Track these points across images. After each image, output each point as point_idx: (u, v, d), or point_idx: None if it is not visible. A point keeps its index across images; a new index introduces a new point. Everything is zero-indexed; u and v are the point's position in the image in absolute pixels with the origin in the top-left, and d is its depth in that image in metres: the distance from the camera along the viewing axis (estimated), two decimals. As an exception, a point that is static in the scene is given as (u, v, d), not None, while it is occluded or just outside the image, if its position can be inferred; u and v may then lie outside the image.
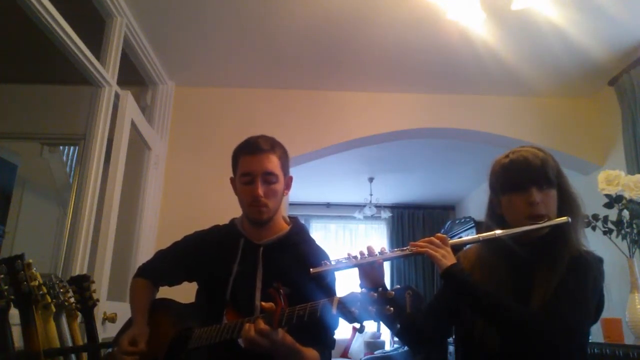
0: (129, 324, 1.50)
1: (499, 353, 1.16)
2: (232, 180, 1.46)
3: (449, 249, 1.21)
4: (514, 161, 1.25)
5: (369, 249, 1.23)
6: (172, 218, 3.08)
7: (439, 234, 1.24)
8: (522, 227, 1.20)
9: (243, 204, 1.41)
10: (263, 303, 1.17)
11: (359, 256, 1.22)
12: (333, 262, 1.22)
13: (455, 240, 1.25)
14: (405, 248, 1.22)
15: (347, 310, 1.05)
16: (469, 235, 5.19)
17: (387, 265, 6.51)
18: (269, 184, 1.37)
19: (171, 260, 1.54)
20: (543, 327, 1.08)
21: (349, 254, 1.24)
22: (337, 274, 1.42)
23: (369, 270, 1.23)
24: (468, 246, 1.36)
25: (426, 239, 1.23)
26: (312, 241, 1.48)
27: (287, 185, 1.46)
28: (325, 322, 1.09)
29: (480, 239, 1.23)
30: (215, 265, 1.42)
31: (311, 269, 1.19)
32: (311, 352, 1.27)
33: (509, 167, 1.25)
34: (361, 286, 1.26)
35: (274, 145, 1.41)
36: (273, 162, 1.38)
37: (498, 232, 1.22)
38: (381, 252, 1.22)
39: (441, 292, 1.37)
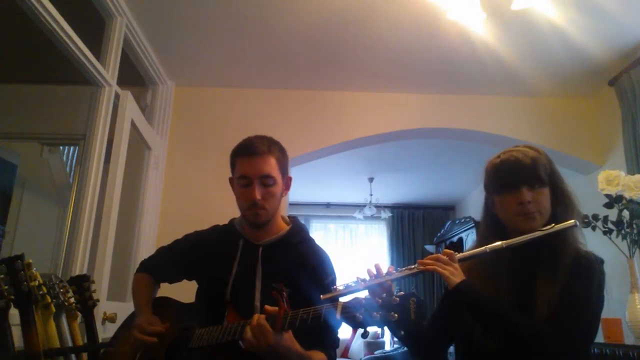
0: (131, 319, 1.50)
1: (498, 353, 1.16)
2: (231, 180, 1.45)
3: (456, 265, 1.20)
4: (504, 161, 1.26)
5: (377, 267, 1.21)
6: (172, 218, 3.08)
7: (446, 250, 1.23)
8: (530, 235, 1.19)
9: (241, 206, 1.40)
10: (267, 306, 1.16)
11: (367, 277, 1.20)
12: (342, 287, 1.19)
13: (462, 254, 1.24)
14: (413, 267, 1.21)
15: (351, 315, 1.04)
16: (469, 236, 5.19)
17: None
18: (267, 186, 1.36)
19: (171, 257, 1.55)
20: (554, 341, 1.08)
21: (357, 277, 1.21)
22: (337, 272, 1.43)
23: (379, 291, 1.19)
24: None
25: (433, 256, 1.21)
26: (311, 241, 1.48)
27: (287, 186, 1.45)
28: (328, 324, 1.09)
29: (488, 250, 1.21)
30: (215, 266, 1.42)
31: (321, 296, 1.16)
32: (318, 355, 1.27)
33: (500, 167, 1.26)
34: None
35: (271, 147, 1.38)
36: (270, 165, 1.36)
37: (505, 242, 1.20)
38: (389, 273, 1.19)
39: (444, 305, 1.36)
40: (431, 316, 1.37)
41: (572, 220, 1.18)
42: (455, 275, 1.17)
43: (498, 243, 1.21)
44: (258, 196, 1.33)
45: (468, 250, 1.29)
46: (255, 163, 1.35)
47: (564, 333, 1.09)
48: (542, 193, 1.22)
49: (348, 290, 1.18)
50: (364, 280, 1.19)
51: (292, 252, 1.40)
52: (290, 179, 1.47)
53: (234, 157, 1.41)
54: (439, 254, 1.21)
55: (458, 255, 1.23)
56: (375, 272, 1.19)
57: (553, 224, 1.19)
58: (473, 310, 1.17)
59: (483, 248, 1.22)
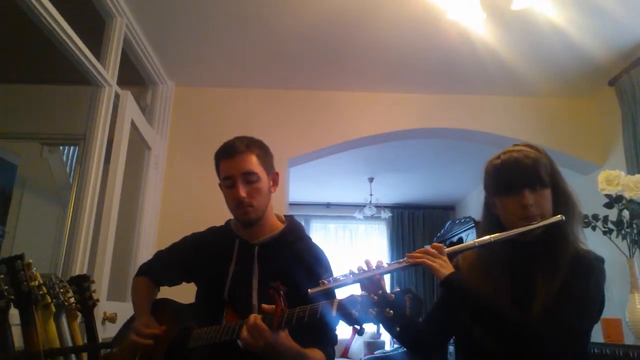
0: (130, 322, 1.51)
1: (498, 353, 1.16)
2: (221, 186, 1.46)
3: (445, 258, 1.20)
4: (505, 162, 1.24)
5: (367, 263, 1.21)
6: (172, 218, 3.08)
7: (435, 244, 1.23)
8: (517, 229, 1.19)
9: (230, 207, 1.42)
10: (264, 305, 1.17)
11: (357, 271, 1.20)
12: (332, 280, 1.20)
13: (451, 248, 1.24)
14: (402, 260, 1.21)
15: (347, 312, 1.04)
16: (469, 236, 5.19)
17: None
18: (251, 183, 1.37)
19: (170, 260, 1.55)
20: (547, 337, 1.08)
21: (350, 270, 1.21)
22: (334, 270, 1.43)
23: (368, 284, 1.20)
24: None
25: (422, 249, 1.22)
26: (308, 238, 1.48)
27: (274, 182, 1.46)
28: (326, 321, 1.09)
29: (476, 244, 1.21)
30: (213, 266, 1.43)
31: (309, 290, 1.16)
32: (316, 353, 1.27)
33: (501, 168, 1.24)
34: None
35: (249, 145, 1.40)
36: (251, 161, 1.38)
37: (493, 236, 1.20)
38: (378, 266, 1.19)
39: (441, 300, 1.37)
40: (429, 313, 1.36)
41: (559, 216, 1.18)
42: (444, 267, 1.17)
43: (486, 237, 1.20)
44: (243, 194, 1.35)
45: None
46: (235, 162, 1.37)
47: (559, 329, 1.08)
48: (544, 195, 1.21)
49: (336, 283, 1.19)
50: (352, 273, 1.20)
51: (288, 250, 1.40)
52: (277, 174, 1.48)
53: (217, 161, 1.44)
54: (428, 247, 1.22)
55: (447, 248, 1.23)
56: (365, 268, 1.19)
57: (540, 219, 1.19)
58: (464, 303, 1.17)
59: (472, 242, 1.22)
